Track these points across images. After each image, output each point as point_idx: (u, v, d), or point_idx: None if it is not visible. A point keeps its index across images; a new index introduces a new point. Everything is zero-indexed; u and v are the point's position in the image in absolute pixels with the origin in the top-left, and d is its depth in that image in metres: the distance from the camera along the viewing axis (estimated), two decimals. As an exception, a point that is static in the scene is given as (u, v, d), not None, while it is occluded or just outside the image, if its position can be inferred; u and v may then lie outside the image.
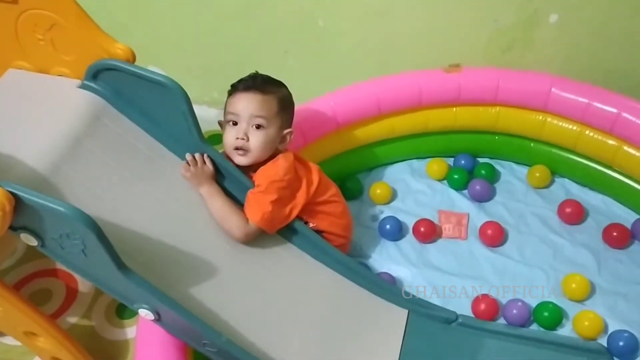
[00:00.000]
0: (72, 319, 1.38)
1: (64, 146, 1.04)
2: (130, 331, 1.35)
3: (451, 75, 1.48)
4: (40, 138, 1.04)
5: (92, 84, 1.11)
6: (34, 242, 0.95)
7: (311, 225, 1.27)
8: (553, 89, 1.42)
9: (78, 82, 1.13)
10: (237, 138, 1.19)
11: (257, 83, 1.21)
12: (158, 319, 1.02)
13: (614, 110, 1.35)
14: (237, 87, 1.22)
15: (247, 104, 1.19)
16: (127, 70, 1.07)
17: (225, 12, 1.70)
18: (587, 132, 1.42)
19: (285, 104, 1.24)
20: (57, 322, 1.23)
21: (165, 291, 0.98)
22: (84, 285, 1.44)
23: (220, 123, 1.26)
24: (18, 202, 0.87)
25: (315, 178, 1.26)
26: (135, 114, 1.14)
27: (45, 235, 0.93)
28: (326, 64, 1.74)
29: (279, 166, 1.20)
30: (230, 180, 1.21)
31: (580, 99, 1.39)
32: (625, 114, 1.34)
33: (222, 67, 1.80)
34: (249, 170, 1.23)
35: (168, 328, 1.05)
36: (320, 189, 1.27)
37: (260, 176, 1.20)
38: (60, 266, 1.47)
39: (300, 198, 1.23)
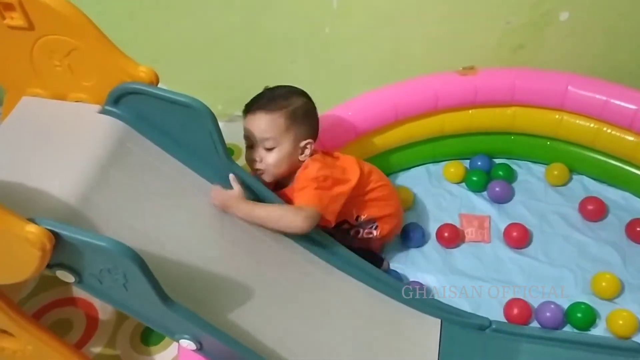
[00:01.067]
0: (96, 349, 1.33)
1: (90, 175, 1.00)
2: (158, 358, 1.31)
3: (466, 77, 1.47)
4: (65, 168, 1.00)
5: (113, 109, 1.08)
6: (70, 279, 0.91)
7: (363, 217, 1.29)
8: (569, 87, 1.41)
9: (98, 107, 1.09)
10: (254, 160, 1.21)
11: (262, 103, 1.20)
12: (200, 348, 0.99)
13: (633, 107, 1.35)
14: (247, 109, 1.22)
15: (254, 127, 1.19)
16: (152, 93, 1.04)
17: (230, 23, 1.66)
18: (605, 129, 1.42)
19: (297, 117, 1.20)
20: (87, 354, 1.19)
21: (206, 318, 0.96)
22: (104, 312, 1.40)
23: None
24: (57, 239, 0.84)
25: (355, 169, 1.25)
26: (159, 137, 1.10)
27: (84, 272, 0.90)
28: (335, 72, 1.72)
29: (310, 167, 1.20)
30: (259, 197, 1.18)
31: (598, 96, 1.39)
32: (645, 111, 1.34)
33: (227, 79, 1.78)
34: (283, 186, 1.24)
35: (210, 356, 1.02)
36: (363, 178, 1.26)
37: (297, 185, 1.20)
38: (78, 294, 1.43)
39: (345, 187, 1.21)
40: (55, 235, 0.83)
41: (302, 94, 1.25)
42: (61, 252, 0.86)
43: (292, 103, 1.21)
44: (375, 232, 1.32)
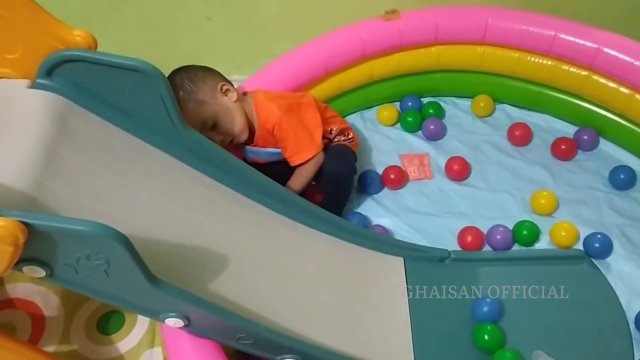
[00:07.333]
0: (50, 348, 1.22)
1: (38, 158, 0.88)
2: (122, 345, 1.23)
3: (391, 22, 1.47)
4: (7, 153, 0.88)
5: (47, 82, 0.96)
6: (40, 273, 0.82)
7: (335, 129, 1.38)
8: (489, 20, 1.47)
9: (27, 82, 0.96)
10: (219, 142, 1.26)
11: None
12: (187, 324, 0.94)
13: (551, 32, 1.43)
14: None
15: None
16: (92, 59, 0.93)
17: (134, -18, 1.54)
18: (525, 57, 1.49)
19: (195, 98, 1.22)
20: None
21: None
22: (49, 308, 1.28)
23: None
24: (30, 232, 0.74)
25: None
26: (103, 109, 1.00)
27: (57, 263, 0.81)
28: (253, 26, 1.65)
29: (272, 112, 1.27)
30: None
31: (517, 26, 1.45)
32: (562, 35, 1.42)
33: (136, 44, 1.64)
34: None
35: (197, 331, 0.98)
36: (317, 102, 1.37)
37: (265, 130, 1.28)
38: (14, 294, 1.30)
39: (306, 98, 1.33)
40: (28, 226, 0.74)
41: (177, 75, 1.24)
42: (33, 245, 0.76)
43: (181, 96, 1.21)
44: (351, 135, 1.42)
